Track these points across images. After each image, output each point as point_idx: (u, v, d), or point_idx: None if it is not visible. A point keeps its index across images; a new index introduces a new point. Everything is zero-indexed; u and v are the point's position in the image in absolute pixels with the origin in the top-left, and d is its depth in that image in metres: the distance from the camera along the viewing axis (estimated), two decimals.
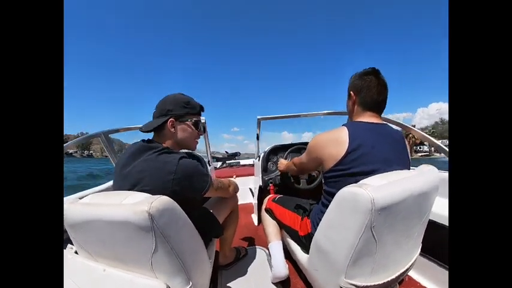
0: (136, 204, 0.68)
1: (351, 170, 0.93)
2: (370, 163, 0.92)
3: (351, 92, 1.09)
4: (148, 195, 0.76)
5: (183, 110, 1.05)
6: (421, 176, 0.88)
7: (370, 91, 1.03)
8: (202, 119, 2.28)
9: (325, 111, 2.31)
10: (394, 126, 1.19)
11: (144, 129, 1.05)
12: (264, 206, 1.56)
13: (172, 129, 1.03)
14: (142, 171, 0.88)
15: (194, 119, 1.09)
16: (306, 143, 2.10)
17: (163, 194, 0.80)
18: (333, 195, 0.90)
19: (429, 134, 1.77)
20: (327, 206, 0.93)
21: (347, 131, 0.96)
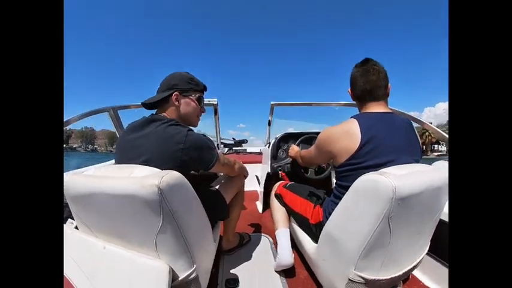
0: (146, 178, 0.65)
1: (366, 163, 0.90)
2: (383, 155, 0.90)
3: (349, 90, 1.10)
4: (157, 169, 0.72)
5: (187, 85, 1.07)
6: (437, 171, 0.84)
7: (357, 83, 1.03)
8: (214, 100, 2.25)
9: (341, 102, 2.26)
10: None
11: (147, 102, 1.05)
12: (273, 192, 1.53)
13: (177, 103, 1.04)
14: (151, 141, 0.88)
15: (198, 94, 1.11)
16: (317, 133, 2.06)
17: (172, 164, 0.81)
18: (345, 187, 0.88)
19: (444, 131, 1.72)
20: (338, 197, 0.92)
21: (357, 123, 0.94)
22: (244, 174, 1.42)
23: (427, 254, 1.12)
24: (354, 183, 0.81)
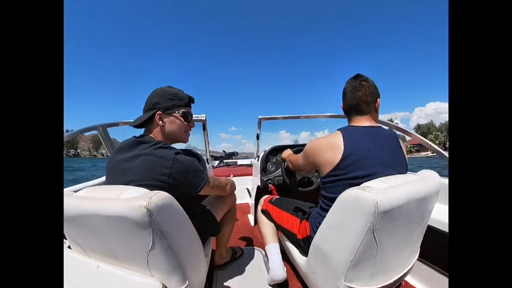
0: (134, 199, 0.66)
1: (348, 174, 0.93)
2: (366, 167, 0.92)
3: (342, 103, 1.14)
4: (147, 190, 0.74)
5: (170, 102, 1.02)
6: (422, 181, 0.87)
7: (346, 98, 1.08)
8: (203, 116, 2.27)
9: (327, 114, 2.31)
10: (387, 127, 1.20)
11: (133, 124, 1.04)
12: (259, 207, 1.54)
13: (161, 122, 1.01)
14: (137, 166, 0.87)
15: (182, 110, 1.05)
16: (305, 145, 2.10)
17: (159, 189, 0.79)
18: (330, 199, 0.91)
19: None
20: (325, 210, 0.93)
21: (341, 136, 0.97)
22: (233, 189, 1.39)
23: (419, 260, 1.15)
24: (339, 197, 0.83)
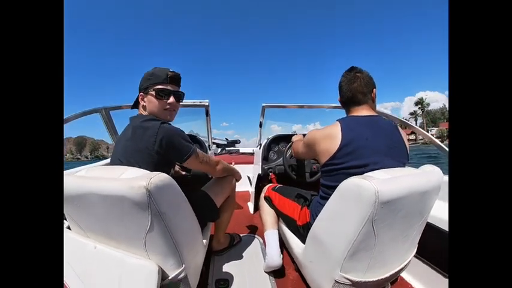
0: (134, 180, 0.66)
1: (345, 164, 0.94)
2: (364, 156, 0.93)
3: (339, 97, 1.15)
4: (146, 171, 0.73)
5: (147, 82, 1.06)
6: (424, 175, 0.86)
7: (342, 90, 1.11)
8: (206, 101, 2.25)
9: (331, 105, 2.28)
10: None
11: (131, 107, 1.16)
12: (262, 194, 1.55)
13: (143, 103, 1.08)
14: (129, 139, 0.94)
15: (156, 87, 1.05)
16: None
17: (149, 158, 0.87)
18: (329, 187, 0.93)
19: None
20: (325, 198, 0.94)
21: (339, 126, 0.98)
22: (236, 177, 1.42)
23: (416, 256, 1.15)
24: (339, 186, 0.82)
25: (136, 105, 1.12)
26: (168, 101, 1.08)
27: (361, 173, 0.84)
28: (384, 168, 0.89)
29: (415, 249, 1.02)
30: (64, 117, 1.69)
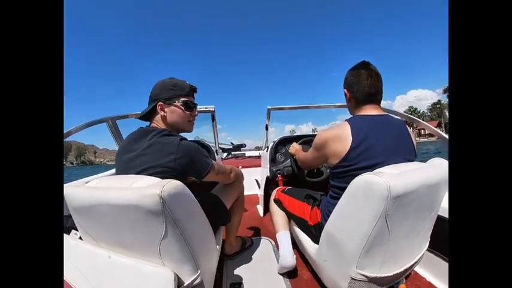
0: (147, 188, 0.66)
1: (357, 165, 0.93)
2: (374, 157, 0.92)
3: (345, 90, 1.10)
4: (159, 179, 0.74)
5: (170, 93, 1.04)
6: (432, 168, 0.86)
7: (361, 85, 1.03)
8: (212, 107, 2.27)
9: (337, 104, 2.28)
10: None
11: (139, 116, 1.09)
12: (272, 197, 1.55)
13: (163, 113, 1.03)
14: (145, 154, 0.90)
15: (182, 99, 1.06)
16: (315, 135, 2.09)
17: (166, 174, 0.83)
18: (340, 188, 0.92)
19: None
20: (335, 198, 0.94)
21: (349, 127, 0.96)
22: (239, 178, 1.41)
23: (428, 250, 1.14)
24: (350, 184, 0.82)
25: (147, 115, 1.08)
26: (193, 114, 1.12)
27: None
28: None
29: (428, 243, 1.02)
30: (70, 129, 1.71)
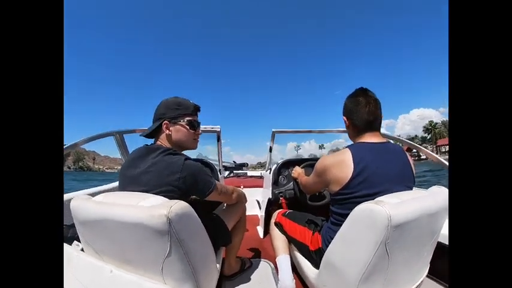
0: (155, 208, 0.68)
1: (358, 193, 0.94)
2: (375, 185, 0.93)
3: (344, 118, 1.12)
4: (165, 199, 0.76)
5: (175, 112, 1.07)
6: (432, 196, 0.89)
7: (360, 113, 1.05)
8: (218, 127, 2.31)
9: (340, 129, 2.30)
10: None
11: (143, 134, 1.11)
12: (273, 220, 1.54)
13: (168, 131, 1.05)
14: (149, 172, 0.91)
15: (187, 118, 1.09)
16: (318, 159, 2.10)
17: (169, 193, 0.84)
18: (341, 215, 0.92)
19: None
20: (336, 225, 0.95)
21: (351, 154, 0.97)
22: (241, 200, 1.41)
23: (428, 276, 1.14)
24: (352, 211, 0.84)
25: (152, 133, 1.09)
26: (197, 132, 1.15)
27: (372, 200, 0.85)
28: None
29: (427, 269, 1.02)
30: (77, 141, 1.76)
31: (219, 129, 2.31)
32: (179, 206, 0.70)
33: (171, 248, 0.69)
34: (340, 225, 0.90)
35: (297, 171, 1.72)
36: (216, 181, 1.06)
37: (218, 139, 2.46)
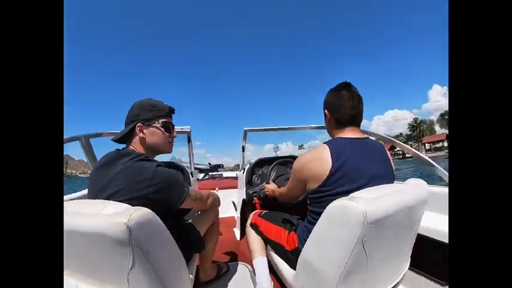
0: (114, 215, 0.63)
1: (336, 189, 0.92)
2: (355, 181, 0.91)
3: (326, 111, 1.10)
4: (128, 205, 0.70)
5: (149, 113, 1.02)
6: (409, 189, 0.87)
7: (344, 107, 1.03)
8: (188, 128, 2.24)
9: (314, 125, 2.31)
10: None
11: (115, 139, 1.04)
12: (249, 221, 1.51)
13: (141, 134, 1.00)
14: (119, 178, 0.86)
15: (162, 120, 1.05)
16: (291, 156, 2.09)
17: (141, 201, 0.79)
18: (318, 213, 0.89)
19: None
20: (312, 223, 0.92)
21: (329, 150, 0.95)
22: (217, 205, 1.38)
23: (411, 269, 1.15)
24: (326, 209, 0.81)
25: (124, 138, 1.03)
26: (172, 135, 1.10)
27: None
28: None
29: (408, 263, 1.02)
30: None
31: (189, 130, 2.25)
32: (140, 213, 0.64)
33: (134, 259, 0.63)
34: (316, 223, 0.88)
35: (269, 188, 1.66)
36: (190, 187, 1.01)
37: (189, 140, 2.39)
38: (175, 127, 1.15)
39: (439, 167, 1.47)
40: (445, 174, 1.40)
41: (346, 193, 0.88)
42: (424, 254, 1.14)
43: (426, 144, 64.36)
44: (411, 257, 1.02)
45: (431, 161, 1.57)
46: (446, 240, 1.13)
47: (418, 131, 62.74)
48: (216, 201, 1.33)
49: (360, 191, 0.85)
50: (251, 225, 1.46)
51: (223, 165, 4.83)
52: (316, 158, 0.97)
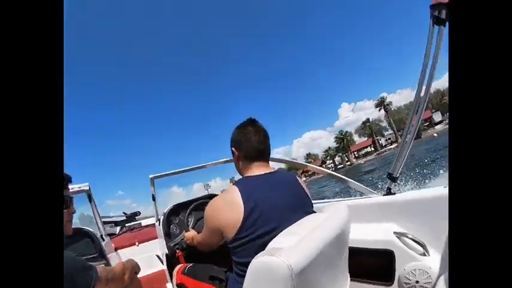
0: None
1: (255, 233, 0.87)
2: (271, 219, 0.88)
3: (233, 149, 1.08)
4: None
5: None
6: (330, 219, 0.87)
7: (250, 142, 1.02)
8: (86, 185, 1.97)
9: (221, 160, 2.21)
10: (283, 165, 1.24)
11: None
12: (174, 281, 1.37)
13: None
14: None
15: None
16: (209, 196, 2.01)
17: None
18: (243, 264, 0.84)
19: None
20: (241, 276, 0.86)
21: (239, 192, 0.91)
22: (137, 272, 1.21)
23: (353, 280, 1.14)
24: (250, 267, 0.74)
25: None
26: (70, 211, 0.97)
27: (271, 239, 0.80)
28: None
29: (348, 279, 1.03)
30: None
31: (87, 188, 2.01)
32: None
33: None
34: (245, 276, 0.79)
35: (189, 236, 1.52)
36: (99, 267, 0.89)
37: (90, 199, 2.14)
38: (71, 186, 1.02)
39: (352, 181, 1.55)
40: (359, 185, 1.47)
41: (267, 234, 0.85)
42: (361, 262, 1.18)
43: (354, 153, 67.99)
44: (353, 267, 1.03)
45: (344, 177, 1.64)
46: (374, 246, 1.20)
47: (345, 141, 65.41)
48: (135, 269, 1.18)
49: (281, 235, 0.81)
50: (178, 286, 1.33)
51: (139, 212, 4.40)
52: (228, 203, 0.92)
